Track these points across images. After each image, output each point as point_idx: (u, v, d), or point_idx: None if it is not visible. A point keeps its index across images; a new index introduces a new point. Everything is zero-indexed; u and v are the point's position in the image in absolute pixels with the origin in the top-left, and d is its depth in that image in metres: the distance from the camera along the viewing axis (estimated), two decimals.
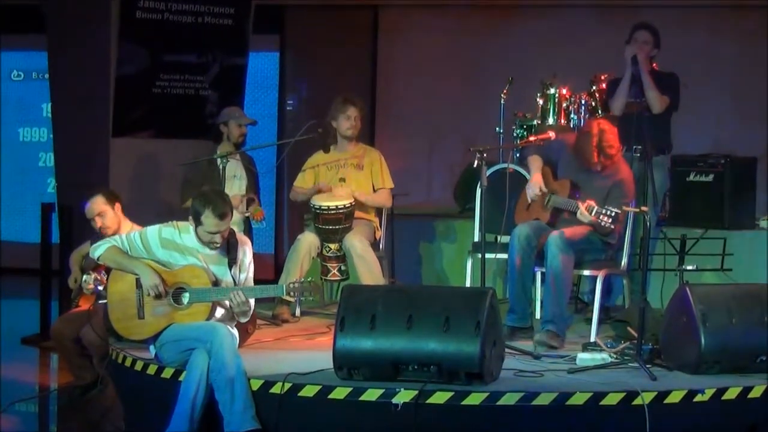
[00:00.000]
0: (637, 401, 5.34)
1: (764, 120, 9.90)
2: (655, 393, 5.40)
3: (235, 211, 6.96)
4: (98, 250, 6.02)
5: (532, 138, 7.61)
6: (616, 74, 7.73)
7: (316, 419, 5.49)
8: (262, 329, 6.95)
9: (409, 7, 11.33)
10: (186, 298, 5.90)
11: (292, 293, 6.20)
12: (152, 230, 6.03)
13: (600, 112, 8.30)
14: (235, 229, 6.37)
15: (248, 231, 7.72)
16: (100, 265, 6.36)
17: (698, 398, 5.44)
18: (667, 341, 6.02)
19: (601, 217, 6.41)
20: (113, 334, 6.05)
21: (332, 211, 7.25)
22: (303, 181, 7.65)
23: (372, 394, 5.40)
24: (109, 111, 8.66)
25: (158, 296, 5.88)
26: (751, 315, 5.81)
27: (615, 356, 6.08)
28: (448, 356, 5.41)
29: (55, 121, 9.37)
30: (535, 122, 8.68)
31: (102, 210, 6.85)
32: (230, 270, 5.98)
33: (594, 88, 8.53)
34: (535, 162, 6.92)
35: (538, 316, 7.06)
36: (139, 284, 5.92)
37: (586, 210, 6.48)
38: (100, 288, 6.71)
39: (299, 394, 5.49)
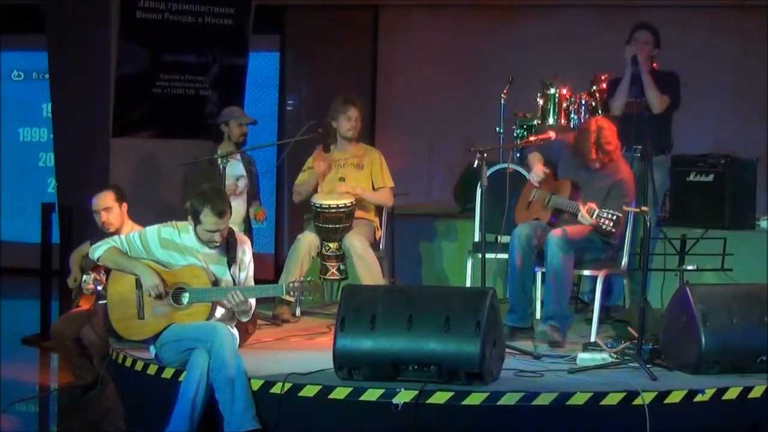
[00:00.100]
0: (638, 401, 5.34)
1: (764, 120, 9.91)
2: (656, 393, 5.40)
3: (235, 212, 6.97)
4: (98, 250, 6.02)
5: (532, 138, 7.61)
6: (617, 74, 7.73)
7: (316, 419, 5.49)
8: (263, 329, 6.95)
9: (409, 7, 11.33)
10: (186, 298, 5.90)
11: (291, 293, 6.20)
12: (151, 230, 6.03)
13: (600, 112, 8.30)
14: (236, 229, 6.38)
15: (248, 231, 7.73)
16: (99, 265, 6.36)
17: (698, 398, 5.43)
18: (667, 341, 6.02)
19: (602, 220, 6.41)
20: (113, 334, 6.05)
21: (332, 210, 7.25)
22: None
23: (372, 394, 5.40)
24: (109, 111, 8.66)
25: (159, 296, 5.88)
26: (752, 315, 5.81)
27: (615, 356, 6.08)
28: (448, 356, 5.41)
29: (56, 121, 9.37)
30: (535, 122, 8.68)
31: (110, 205, 6.87)
32: (230, 269, 5.98)
33: (594, 88, 8.54)
34: (536, 157, 6.92)
35: (538, 316, 7.06)
36: (138, 284, 5.92)
37: (587, 212, 6.48)
38: (100, 288, 6.71)
39: (299, 394, 5.49)
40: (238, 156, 7.76)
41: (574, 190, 6.76)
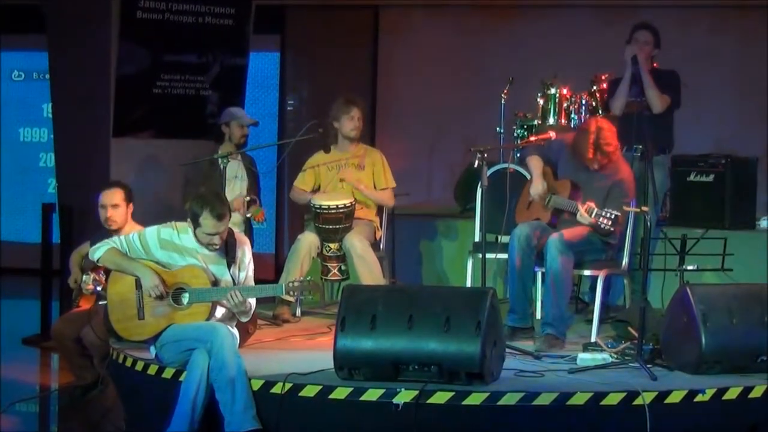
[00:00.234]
0: (638, 401, 5.34)
1: (765, 120, 9.90)
2: (656, 393, 5.40)
3: (235, 213, 6.98)
4: (97, 251, 6.02)
5: (532, 138, 7.62)
6: (617, 74, 7.74)
7: (316, 419, 5.49)
8: (263, 329, 6.95)
9: (409, 7, 11.32)
10: (186, 298, 5.90)
11: (291, 292, 6.20)
12: (151, 231, 6.03)
13: (600, 112, 8.30)
14: (236, 229, 6.37)
15: (249, 231, 7.72)
16: (99, 265, 6.36)
17: (699, 398, 5.44)
18: (667, 341, 6.02)
19: (600, 219, 6.40)
20: (113, 334, 6.05)
21: (332, 211, 7.25)
22: (303, 182, 7.65)
23: (373, 394, 5.40)
24: (109, 111, 8.66)
25: (159, 297, 5.88)
26: (752, 315, 5.81)
27: (616, 356, 6.08)
28: (448, 356, 5.41)
29: (56, 122, 9.37)
30: (535, 122, 8.68)
31: (118, 203, 6.88)
32: (229, 270, 5.98)
33: (594, 88, 8.54)
34: (536, 162, 6.91)
35: (538, 316, 7.06)
36: (138, 285, 5.91)
37: (585, 212, 6.48)
38: (99, 288, 6.71)
39: (300, 394, 5.50)
40: (238, 156, 7.76)
41: (574, 190, 6.76)
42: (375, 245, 7.47)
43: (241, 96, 9.24)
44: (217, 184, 7.19)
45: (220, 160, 7.31)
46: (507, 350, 5.87)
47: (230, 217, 5.97)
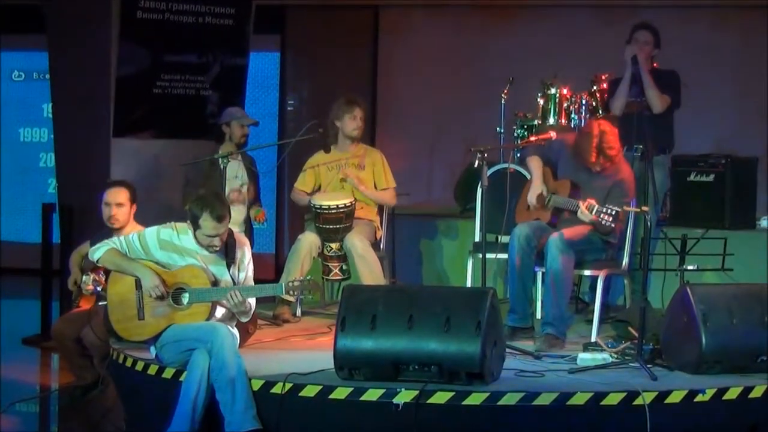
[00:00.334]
0: (638, 401, 5.34)
1: (765, 120, 9.90)
2: (656, 393, 5.40)
3: (236, 212, 6.97)
4: (97, 252, 6.01)
5: (532, 138, 7.61)
6: (617, 74, 7.74)
7: (316, 419, 5.49)
8: (263, 329, 6.95)
9: (409, 7, 11.33)
10: (186, 298, 5.90)
11: (291, 292, 6.20)
12: (150, 232, 6.03)
13: (600, 112, 8.30)
14: (236, 229, 6.37)
15: (249, 231, 7.73)
16: (99, 266, 6.36)
17: (699, 398, 5.44)
18: (667, 341, 6.02)
19: (601, 215, 6.40)
20: (113, 335, 6.05)
21: (332, 211, 7.25)
22: (303, 182, 7.65)
23: (373, 394, 5.40)
24: (109, 111, 8.66)
25: (160, 297, 5.87)
26: (752, 315, 5.82)
27: (616, 356, 6.08)
28: (448, 356, 5.41)
29: (56, 122, 9.37)
30: (535, 122, 8.68)
31: (122, 202, 6.89)
32: (229, 270, 5.98)
33: (595, 88, 8.54)
34: (535, 164, 6.91)
35: (538, 316, 7.06)
36: (138, 285, 5.91)
37: (586, 209, 6.48)
38: (99, 289, 6.71)
39: (300, 394, 5.50)
40: (239, 156, 7.76)
41: (574, 190, 6.76)
42: (375, 245, 7.47)
43: (242, 96, 9.24)
44: (217, 184, 7.19)
45: (220, 160, 7.31)
46: (507, 350, 5.87)
47: (230, 218, 5.97)
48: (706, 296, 5.84)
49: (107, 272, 6.14)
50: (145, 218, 6.87)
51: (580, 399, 5.35)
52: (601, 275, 6.72)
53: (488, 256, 6.52)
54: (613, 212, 6.37)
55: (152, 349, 5.96)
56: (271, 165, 9.65)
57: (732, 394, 5.48)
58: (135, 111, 8.82)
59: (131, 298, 5.93)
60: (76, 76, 8.89)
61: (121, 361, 6.21)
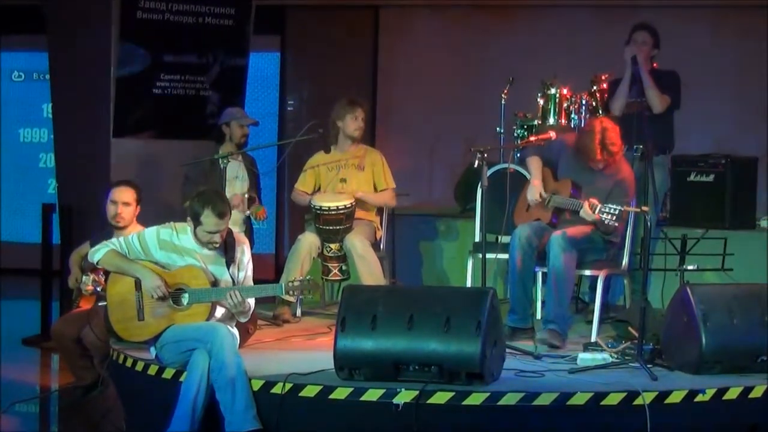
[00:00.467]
0: (638, 401, 5.34)
1: (764, 120, 9.90)
2: (656, 393, 5.40)
3: (235, 211, 6.97)
4: (97, 254, 6.01)
5: (532, 138, 7.61)
6: (617, 74, 7.74)
7: (317, 419, 5.49)
8: (263, 329, 6.96)
9: (409, 7, 11.33)
10: (185, 299, 5.90)
11: (291, 292, 6.20)
12: (150, 232, 6.02)
13: (600, 112, 8.30)
14: (236, 229, 6.37)
15: (249, 231, 7.73)
16: (98, 266, 6.35)
17: (699, 398, 5.44)
18: (667, 341, 6.02)
19: (604, 215, 6.41)
20: (113, 335, 6.05)
21: (333, 212, 7.25)
22: (304, 183, 7.65)
23: (373, 395, 5.40)
24: (109, 111, 8.65)
25: (161, 298, 5.87)
26: (752, 315, 5.82)
27: (616, 356, 6.08)
28: (448, 356, 5.41)
29: (56, 122, 9.36)
30: (535, 122, 8.68)
31: (129, 201, 6.90)
32: (228, 269, 5.98)
33: (595, 88, 8.53)
34: (535, 164, 6.92)
35: (539, 316, 7.06)
36: (138, 286, 5.91)
37: (589, 208, 6.48)
38: (99, 289, 6.71)
39: (300, 394, 5.50)
40: (239, 156, 7.76)
41: (575, 190, 6.76)
42: (375, 245, 7.47)
43: (242, 96, 9.24)
44: (217, 185, 7.19)
45: (220, 160, 7.32)
46: (507, 350, 5.87)
47: (231, 215, 5.97)
48: (706, 296, 5.84)
49: (107, 273, 6.14)
50: (145, 218, 6.88)
51: (580, 399, 5.35)
52: (601, 275, 6.72)
53: (488, 256, 6.52)
54: (616, 211, 6.37)
55: (152, 349, 5.96)
56: (271, 165, 9.65)
57: (732, 394, 5.48)
58: (135, 111, 8.82)
59: (131, 299, 5.93)
60: (76, 76, 8.89)
61: (121, 361, 6.21)
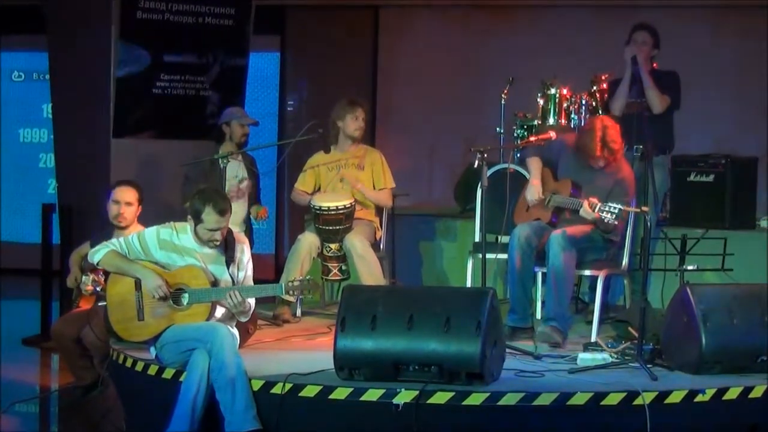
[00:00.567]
0: (638, 401, 5.34)
1: (764, 120, 9.90)
2: (656, 393, 5.40)
3: (236, 209, 6.97)
4: (97, 255, 6.00)
5: (532, 138, 7.61)
6: (617, 74, 7.74)
7: (316, 419, 5.49)
8: (263, 329, 6.96)
9: (409, 7, 11.33)
10: (185, 299, 5.90)
11: (291, 292, 6.19)
12: (150, 232, 6.02)
13: (600, 112, 8.30)
14: (236, 229, 6.37)
15: (249, 231, 7.73)
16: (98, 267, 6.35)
17: (699, 398, 5.44)
18: (667, 341, 6.02)
19: (604, 213, 6.41)
20: (113, 335, 6.05)
21: (332, 212, 7.25)
22: (304, 183, 7.65)
23: (373, 395, 5.40)
24: (109, 111, 8.65)
25: (163, 298, 5.87)
26: (752, 315, 5.82)
27: (616, 356, 6.08)
28: (448, 356, 5.41)
29: (56, 122, 9.37)
30: (535, 122, 8.68)
31: (132, 201, 6.91)
32: (228, 269, 5.98)
33: (595, 88, 8.53)
34: (535, 164, 6.93)
35: (538, 316, 7.06)
36: (138, 286, 5.91)
37: (589, 207, 6.48)
38: (98, 289, 6.71)
39: (300, 394, 5.50)
40: (239, 156, 7.76)
41: (575, 190, 6.76)
42: (375, 245, 7.47)
43: (242, 96, 9.24)
44: (217, 184, 7.19)
45: (220, 160, 7.32)
46: (507, 350, 5.87)
47: (231, 213, 5.97)
48: (706, 296, 5.84)
49: (106, 273, 6.14)
50: (145, 218, 6.88)
51: (580, 399, 5.35)
52: (601, 275, 6.72)
53: (488, 256, 6.52)
54: (616, 209, 6.37)
55: (152, 349, 5.96)
56: (271, 165, 9.65)
57: (732, 394, 5.48)
58: (135, 111, 8.82)
59: (131, 299, 5.93)
60: (76, 76, 8.89)
61: (121, 361, 6.21)
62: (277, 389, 5.53)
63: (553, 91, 8.60)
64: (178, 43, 8.89)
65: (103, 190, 7.08)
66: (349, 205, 7.30)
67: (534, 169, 6.90)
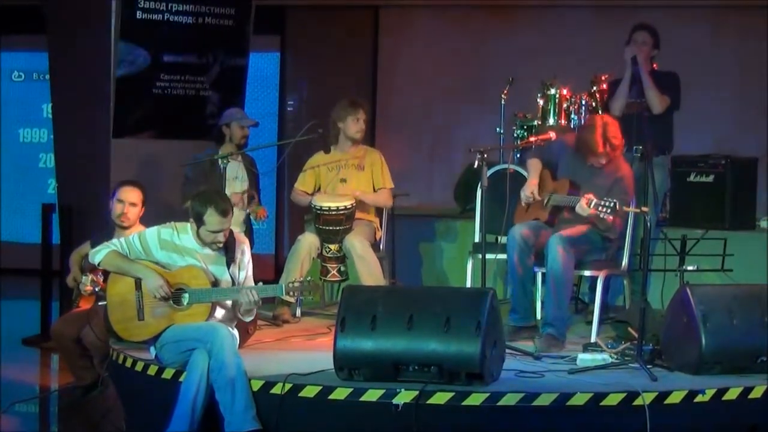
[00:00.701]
0: (638, 402, 5.34)
1: (764, 120, 9.90)
2: (656, 393, 5.40)
3: (236, 211, 6.97)
4: (98, 255, 6.00)
5: (532, 138, 7.61)
6: (617, 75, 7.74)
7: (316, 420, 5.49)
8: (263, 330, 6.96)
9: (409, 7, 11.33)
10: (186, 299, 5.90)
11: (291, 293, 6.20)
12: (151, 232, 6.03)
13: (600, 112, 8.30)
14: (237, 229, 6.37)
15: (249, 232, 7.72)
16: (99, 267, 6.35)
17: (699, 399, 5.44)
18: (667, 342, 6.02)
19: (600, 208, 6.40)
20: (113, 335, 6.05)
21: (333, 212, 7.25)
22: (303, 183, 7.65)
23: (372, 395, 5.40)
24: (109, 111, 8.65)
25: (164, 298, 5.87)
26: (752, 315, 5.82)
27: (615, 357, 6.08)
28: (448, 357, 5.41)
29: (56, 122, 9.36)
30: (535, 123, 8.68)
31: (136, 201, 6.91)
32: (228, 269, 5.98)
33: (594, 88, 8.54)
34: (534, 166, 6.93)
35: (539, 315, 7.06)
36: (138, 285, 5.91)
37: (585, 203, 6.48)
38: (97, 290, 6.71)
39: (300, 394, 5.50)
40: (239, 157, 7.76)
41: (573, 189, 6.77)
42: (375, 246, 7.47)
43: (242, 96, 9.23)
44: (217, 185, 7.19)
45: (220, 161, 7.31)
46: (507, 351, 5.87)
47: (233, 213, 5.97)
48: (706, 297, 5.84)
49: (106, 273, 6.14)
50: (145, 218, 6.89)
51: (579, 399, 5.35)
52: (601, 276, 6.72)
53: (488, 256, 6.53)
54: (612, 204, 6.37)
55: (152, 349, 5.97)
56: (271, 165, 9.65)
57: (732, 394, 5.48)
58: (135, 111, 8.81)
59: (131, 299, 5.93)
60: (76, 76, 8.88)
61: (120, 361, 6.21)
62: (276, 389, 5.53)
63: (553, 91, 8.60)
64: (178, 43, 8.89)
65: (103, 190, 7.09)
66: (350, 206, 7.30)
67: (533, 170, 6.91)
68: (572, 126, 8.51)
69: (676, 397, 5.42)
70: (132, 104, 8.77)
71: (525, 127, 8.73)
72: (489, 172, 6.76)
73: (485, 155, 6.48)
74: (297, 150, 7.88)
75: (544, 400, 5.33)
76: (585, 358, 6.04)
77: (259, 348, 6.47)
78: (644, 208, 6.44)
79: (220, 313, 5.97)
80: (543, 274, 6.92)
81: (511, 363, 5.88)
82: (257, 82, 11.13)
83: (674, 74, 7.59)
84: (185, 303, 5.89)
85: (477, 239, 7.34)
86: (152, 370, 5.94)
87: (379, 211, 7.71)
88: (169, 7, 8.79)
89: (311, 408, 5.48)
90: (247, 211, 7.70)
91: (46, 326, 8.59)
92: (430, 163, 11.01)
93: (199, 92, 9.03)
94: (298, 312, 7.51)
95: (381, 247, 7.67)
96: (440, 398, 5.34)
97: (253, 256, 6.22)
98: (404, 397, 5.34)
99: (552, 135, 7.15)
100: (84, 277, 6.84)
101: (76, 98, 8.90)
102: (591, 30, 10.40)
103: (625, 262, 6.96)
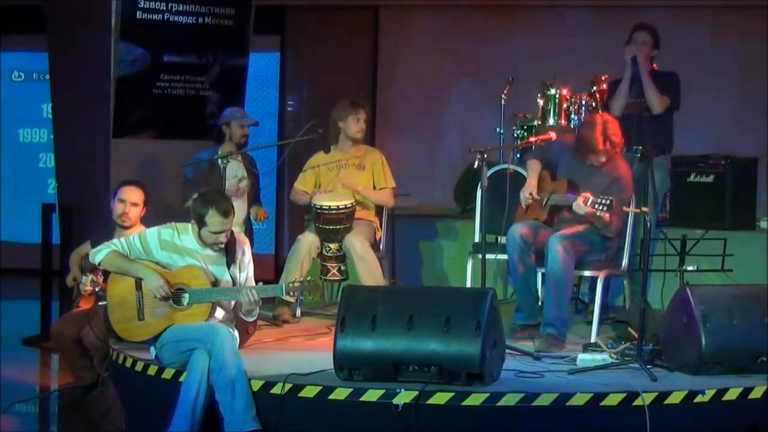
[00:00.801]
0: (638, 402, 5.34)
1: (764, 120, 9.90)
2: (656, 393, 5.40)
3: (236, 211, 6.97)
4: (98, 255, 6.01)
5: (532, 138, 7.62)
6: (617, 75, 7.74)
7: (316, 420, 5.49)
8: (263, 330, 6.96)
9: (409, 7, 11.33)
10: (186, 299, 5.90)
11: (291, 293, 6.20)
12: (151, 232, 6.03)
13: (600, 112, 8.30)
14: (237, 229, 6.36)
15: (249, 232, 7.72)
16: (99, 267, 6.35)
17: (699, 399, 5.44)
18: (667, 342, 6.02)
19: (596, 206, 6.40)
20: (113, 335, 6.05)
21: (333, 211, 7.25)
22: (303, 182, 7.65)
23: (372, 395, 5.40)
24: (109, 111, 8.65)
25: (165, 298, 5.87)
26: (752, 316, 5.82)
27: (615, 357, 6.08)
28: (448, 357, 5.41)
29: (56, 122, 9.36)
30: (535, 123, 8.68)
31: (138, 202, 6.92)
32: (229, 269, 5.98)
33: (594, 88, 8.54)
34: (533, 167, 6.94)
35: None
36: (138, 286, 5.91)
37: (582, 201, 6.48)
38: (97, 290, 6.71)
39: (300, 394, 5.50)
40: (239, 157, 7.76)
41: (571, 188, 6.77)
42: (375, 245, 7.47)
43: (242, 96, 9.24)
44: (217, 185, 7.19)
45: (220, 161, 7.31)
46: (507, 351, 5.88)
47: (234, 213, 5.97)
48: (706, 297, 5.84)
49: (106, 273, 6.14)
50: (145, 218, 6.89)
51: (579, 399, 5.35)
52: (601, 276, 6.72)
53: (488, 256, 6.53)
54: (608, 201, 6.37)
55: (152, 349, 5.97)
56: (271, 165, 9.65)
57: (732, 394, 5.49)
58: (135, 111, 8.81)
59: (131, 299, 5.93)
60: (76, 76, 8.88)
61: (120, 361, 6.21)
62: (276, 389, 5.53)
63: (552, 91, 8.60)
64: (178, 43, 8.89)
65: (103, 190, 7.09)
66: (350, 205, 7.30)
67: (532, 171, 6.91)
68: (572, 126, 8.51)
69: (676, 398, 5.42)
70: (132, 104, 8.78)
71: (525, 127, 8.73)
72: (489, 172, 6.77)
73: (485, 155, 6.48)
74: (297, 150, 7.88)
75: (544, 400, 5.33)
76: (585, 359, 6.05)
77: (259, 348, 6.47)
78: (644, 208, 6.44)
79: (220, 313, 5.97)
80: (543, 274, 6.92)
81: (511, 363, 5.88)
82: (257, 82, 11.13)
83: (674, 74, 7.59)
84: (185, 303, 5.89)
85: (477, 239, 7.34)
86: (152, 370, 5.94)
87: (379, 211, 7.71)
88: (169, 7, 8.79)
89: (311, 408, 5.48)
90: (248, 209, 7.69)
91: (46, 326, 8.59)
92: (430, 163, 11.01)
93: (199, 92, 9.03)
94: (298, 312, 7.51)
95: (381, 247, 7.67)
96: (440, 398, 5.34)
97: (253, 256, 6.22)
98: (404, 397, 5.34)
99: (552, 135, 7.16)
100: (84, 277, 6.84)
101: (76, 98, 8.90)
102: (591, 30, 10.40)
103: (625, 262, 6.96)
